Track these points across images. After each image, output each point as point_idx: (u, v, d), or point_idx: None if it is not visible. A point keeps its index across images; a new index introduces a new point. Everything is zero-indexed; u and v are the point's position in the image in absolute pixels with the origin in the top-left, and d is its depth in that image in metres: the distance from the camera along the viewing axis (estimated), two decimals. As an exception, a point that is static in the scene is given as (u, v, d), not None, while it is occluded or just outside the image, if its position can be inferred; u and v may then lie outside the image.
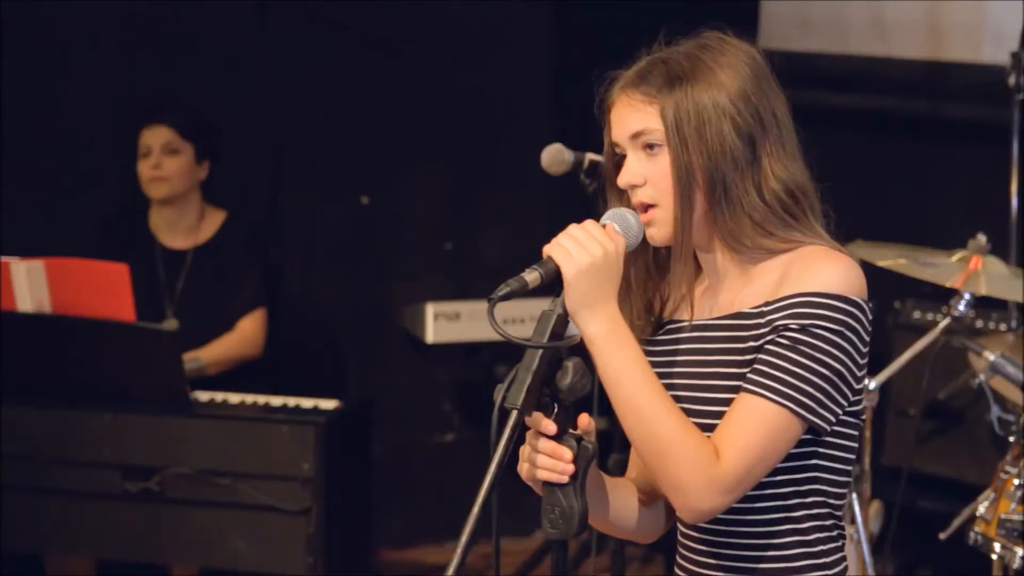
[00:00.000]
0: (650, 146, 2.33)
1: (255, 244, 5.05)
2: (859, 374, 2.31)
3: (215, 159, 5.00)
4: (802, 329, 2.26)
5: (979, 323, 4.80)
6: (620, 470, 2.57)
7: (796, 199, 2.34)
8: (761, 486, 2.31)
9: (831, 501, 2.36)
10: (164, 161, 4.89)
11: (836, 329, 2.26)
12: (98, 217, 5.18)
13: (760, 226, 2.33)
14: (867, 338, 2.31)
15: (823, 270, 2.28)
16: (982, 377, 4.02)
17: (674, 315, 2.42)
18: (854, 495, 3.85)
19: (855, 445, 2.37)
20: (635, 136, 2.34)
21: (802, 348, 2.26)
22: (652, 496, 2.43)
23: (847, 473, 2.38)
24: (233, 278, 4.94)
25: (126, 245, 4.92)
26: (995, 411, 4.19)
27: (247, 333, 4.92)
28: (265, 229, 5.32)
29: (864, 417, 2.50)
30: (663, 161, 2.33)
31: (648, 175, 2.34)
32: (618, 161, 2.38)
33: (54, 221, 5.41)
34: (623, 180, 2.35)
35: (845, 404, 2.31)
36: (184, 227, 4.98)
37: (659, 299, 2.45)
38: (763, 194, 2.32)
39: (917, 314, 5.01)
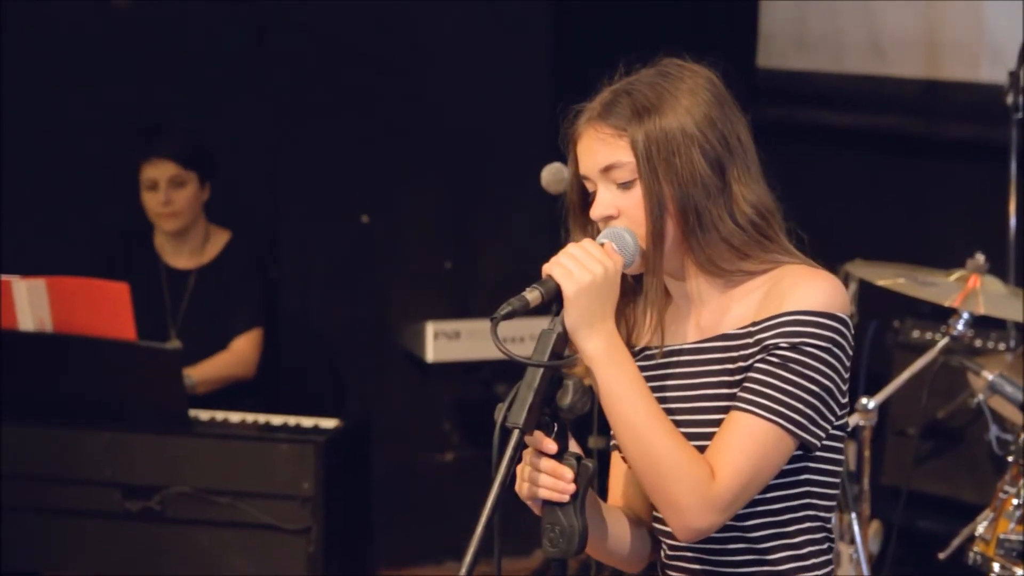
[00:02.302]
0: (624, 185, 2.35)
1: (255, 264, 5.05)
2: (844, 388, 2.34)
3: (215, 178, 5.01)
4: (792, 347, 2.29)
5: (978, 342, 4.81)
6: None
7: (767, 220, 2.37)
8: (753, 503, 2.33)
9: (821, 515, 2.39)
10: (173, 196, 4.88)
11: (824, 346, 2.29)
12: (100, 235, 5.19)
13: (739, 250, 2.35)
14: (851, 353, 2.34)
15: (808, 288, 2.31)
16: (980, 397, 4.02)
17: (649, 341, 2.43)
18: (853, 515, 3.86)
19: (842, 458, 2.41)
20: (606, 169, 2.36)
21: (792, 366, 2.28)
22: (638, 523, 2.46)
23: (836, 486, 2.41)
24: (231, 298, 4.94)
25: (132, 265, 4.92)
26: (994, 431, 4.19)
27: (240, 353, 4.92)
28: (266, 249, 5.33)
29: (848, 429, 2.53)
30: (635, 193, 2.34)
31: (621, 207, 2.36)
32: (584, 193, 2.40)
33: (55, 239, 5.41)
34: (596, 213, 2.37)
35: (834, 420, 2.34)
36: (189, 248, 4.98)
37: (624, 325, 2.44)
38: (737, 219, 2.34)
39: (916, 333, 5.01)
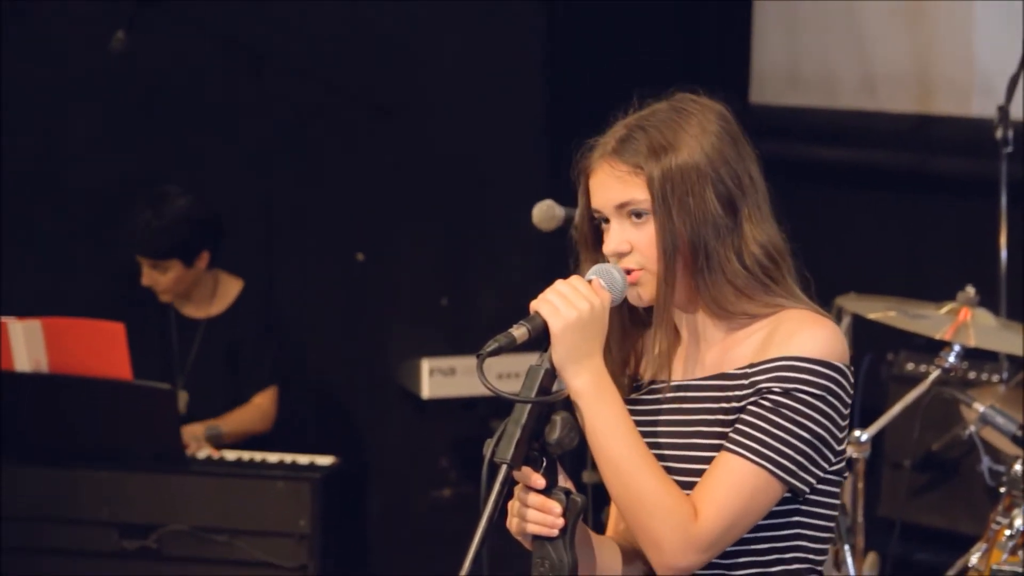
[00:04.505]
0: (636, 214, 2.36)
1: (271, 319, 5.01)
2: (840, 436, 2.34)
3: (213, 246, 4.89)
4: (785, 393, 2.29)
5: (972, 374, 4.83)
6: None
7: (775, 262, 2.37)
8: (742, 542, 2.33)
9: (812, 557, 2.38)
10: (157, 278, 4.82)
11: (818, 394, 2.30)
12: (112, 279, 5.18)
13: (742, 292, 2.36)
14: (849, 402, 2.34)
15: (807, 335, 2.32)
16: (972, 428, 4.03)
17: (655, 375, 2.44)
18: (847, 547, 3.87)
19: (837, 502, 2.40)
20: (621, 206, 2.37)
21: (784, 411, 2.29)
22: (632, 554, 2.45)
23: (829, 530, 2.40)
24: (247, 353, 4.90)
25: (143, 310, 4.89)
26: (986, 462, 4.20)
27: (263, 409, 4.87)
28: (279, 303, 5.30)
29: (846, 475, 2.53)
30: (648, 229, 2.35)
31: (634, 242, 2.36)
32: (595, 225, 2.41)
33: (65, 281, 5.43)
34: (609, 248, 2.38)
35: (826, 467, 2.34)
36: (198, 297, 4.93)
37: (634, 357, 2.47)
38: (744, 260, 2.35)
39: (910, 366, 5.03)
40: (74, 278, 5.43)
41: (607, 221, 2.39)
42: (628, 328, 2.45)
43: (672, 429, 2.39)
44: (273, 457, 4.50)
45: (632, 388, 2.47)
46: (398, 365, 5.78)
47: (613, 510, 2.52)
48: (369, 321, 5.83)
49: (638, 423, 2.35)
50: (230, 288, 4.98)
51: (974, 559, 3.66)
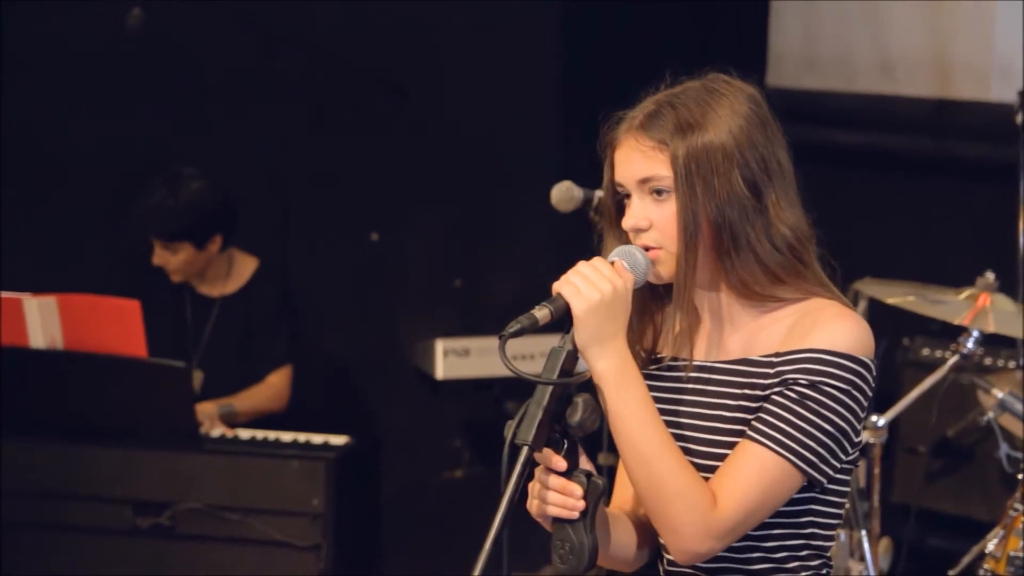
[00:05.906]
0: (658, 192, 2.34)
1: (285, 298, 5.00)
2: (859, 428, 2.34)
3: (226, 230, 4.87)
4: (811, 385, 2.28)
5: (988, 360, 4.81)
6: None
7: (804, 246, 2.36)
8: (762, 527, 2.32)
9: (823, 544, 2.39)
10: (168, 258, 4.80)
11: (844, 388, 2.29)
12: (128, 255, 5.17)
13: (773, 274, 2.34)
14: (870, 395, 2.33)
15: (836, 327, 2.30)
16: (991, 414, 4.03)
17: (675, 353, 2.42)
18: (863, 532, 3.86)
19: (848, 490, 2.41)
20: (643, 181, 2.35)
21: (809, 404, 2.28)
22: (641, 526, 2.45)
23: (839, 517, 2.41)
24: (261, 332, 4.89)
25: (159, 287, 4.88)
26: (1004, 448, 4.20)
27: (277, 388, 4.87)
28: (294, 283, 5.28)
29: (858, 464, 2.53)
30: (669, 207, 2.33)
31: (654, 219, 2.35)
32: (619, 200, 2.40)
33: (72, 258, 5.43)
34: (628, 223, 2.36)
35: (844, 458, 2.33)
36: (213, 276, 4.91)
37: (652, 330, 2.46)
38: (775, 242, 2.33)
39: (926, 351, 5.01)
40: (89, 256, 5.43)
41: (628, 196, 2.38)
42: (648, 301, 2.43)
43: (693, 410, 2.38)
44: (287, 436, 4.50)
45: (649, 362, 2.45)
46: (412, 346, 5.77)
47: (618, 485, 2.51)
48: (383, 301, 5.83)
49: (658, 400, 2.34)
50: (245, 267, 4.97)
51: (991, 545, 3.66)
